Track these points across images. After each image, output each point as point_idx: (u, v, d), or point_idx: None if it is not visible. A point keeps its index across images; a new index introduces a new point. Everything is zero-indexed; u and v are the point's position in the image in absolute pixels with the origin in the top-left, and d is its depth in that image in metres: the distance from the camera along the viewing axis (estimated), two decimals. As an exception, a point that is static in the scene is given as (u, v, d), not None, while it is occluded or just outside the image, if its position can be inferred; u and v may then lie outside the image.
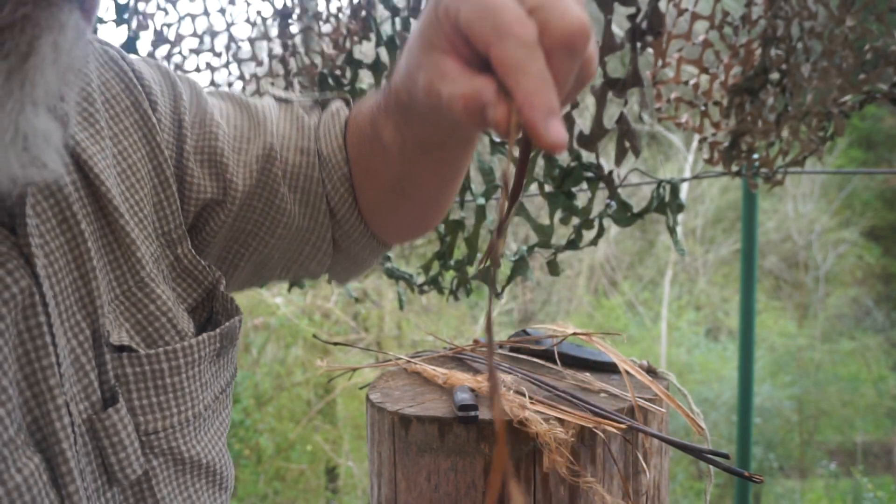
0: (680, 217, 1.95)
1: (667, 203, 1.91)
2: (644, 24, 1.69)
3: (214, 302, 0.75)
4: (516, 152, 0.50)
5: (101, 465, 0.63)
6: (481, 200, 2.09)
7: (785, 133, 2.00)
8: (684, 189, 9.09)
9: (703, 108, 2.07)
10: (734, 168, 2.12)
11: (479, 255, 2.20)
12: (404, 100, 0.65)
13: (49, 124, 0.53)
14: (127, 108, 0.71)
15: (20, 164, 0.51)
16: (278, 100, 0.85)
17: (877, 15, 1.73)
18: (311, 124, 0.83)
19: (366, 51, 2.37)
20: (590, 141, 1.85)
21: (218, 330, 0.71)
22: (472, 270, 2.22)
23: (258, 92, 2.37)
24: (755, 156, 2.11)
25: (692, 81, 2.06)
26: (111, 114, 0.70)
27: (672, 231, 1.95)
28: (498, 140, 2.02)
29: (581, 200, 2.00)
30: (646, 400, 0.93)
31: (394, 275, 2.36)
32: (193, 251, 0.74)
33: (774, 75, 1.93)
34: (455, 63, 0.52)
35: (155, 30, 2.26)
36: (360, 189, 0.82)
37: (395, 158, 0.75)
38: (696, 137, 2.17)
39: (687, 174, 7.70)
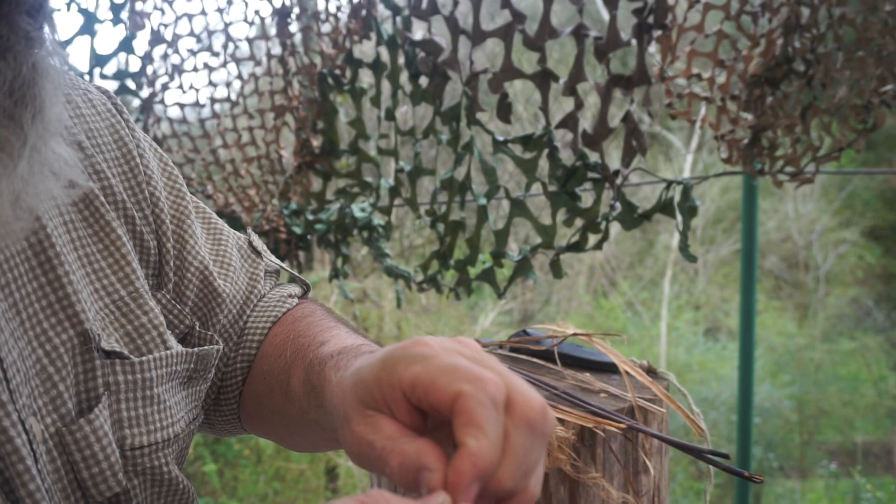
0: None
1: (678, 205, 1.86)
2: (651, 19, 1.67)
3: (192, 337, 0.74)
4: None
5: (74, 482, 0.59)
6: (482, 201, 2.07)
7: (814, 127, 1.90)
8: (684, 189, 9.05)
9: (719, 103, 1.97)
10: (756, 167, 2.02)
11: (481, 256, 2.19)
12: (319, 404, 0.65)
13: (65, 149, 0.56)
14: (115, 159, 0.71)
15: (60, 188, 0.55)
16: (251, 248, 0.84)
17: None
18: (260, 291, 0.83)
19: (366, 50, 2.36)
20: (594, 140, 1.83)
21: (195, 349, 0.70)
22: (473, 271, 2.21)
23: (257, 91, 2.37)
24: (777, 153, 2.00)
25: (706, 75, 1.98)
26: (99, 158, 0.69)
27: (683, 235, 1.89)
28: (501, 139, 2.00)
29: (585, 201, 1.97)
30: (646, 400, 0.93)
31: (393, 272, 2.35)
32: (169, 297, 0.73)
33: (798, 66, 1.85)
34: (392, 423, 0.51)
35: (151, 29, 2.26)
36: (252, 383, 0.80)
37: (291, 404, 0.73)
38: (697, 137, 2.10)
39: (686, 174, 7.69)
